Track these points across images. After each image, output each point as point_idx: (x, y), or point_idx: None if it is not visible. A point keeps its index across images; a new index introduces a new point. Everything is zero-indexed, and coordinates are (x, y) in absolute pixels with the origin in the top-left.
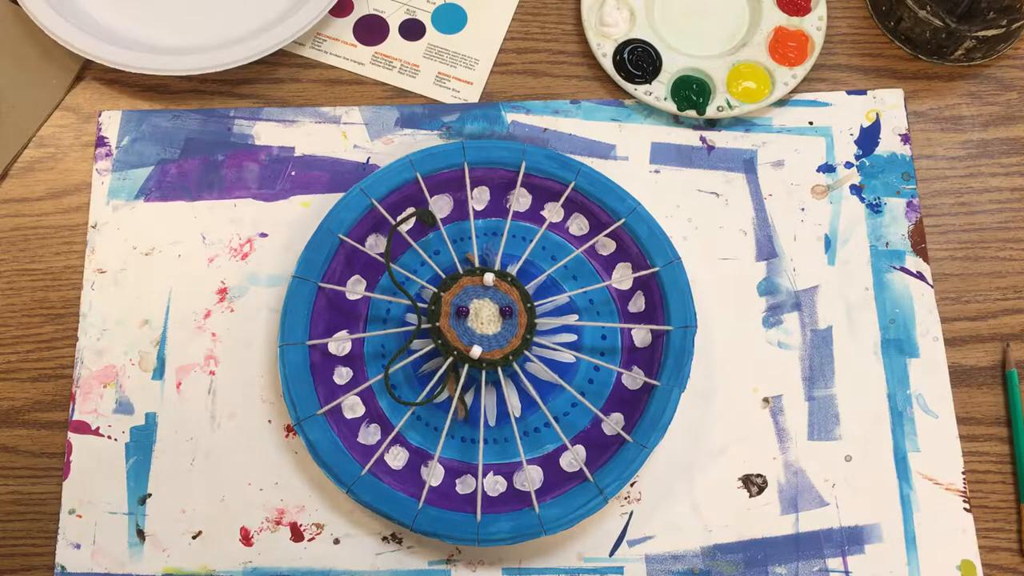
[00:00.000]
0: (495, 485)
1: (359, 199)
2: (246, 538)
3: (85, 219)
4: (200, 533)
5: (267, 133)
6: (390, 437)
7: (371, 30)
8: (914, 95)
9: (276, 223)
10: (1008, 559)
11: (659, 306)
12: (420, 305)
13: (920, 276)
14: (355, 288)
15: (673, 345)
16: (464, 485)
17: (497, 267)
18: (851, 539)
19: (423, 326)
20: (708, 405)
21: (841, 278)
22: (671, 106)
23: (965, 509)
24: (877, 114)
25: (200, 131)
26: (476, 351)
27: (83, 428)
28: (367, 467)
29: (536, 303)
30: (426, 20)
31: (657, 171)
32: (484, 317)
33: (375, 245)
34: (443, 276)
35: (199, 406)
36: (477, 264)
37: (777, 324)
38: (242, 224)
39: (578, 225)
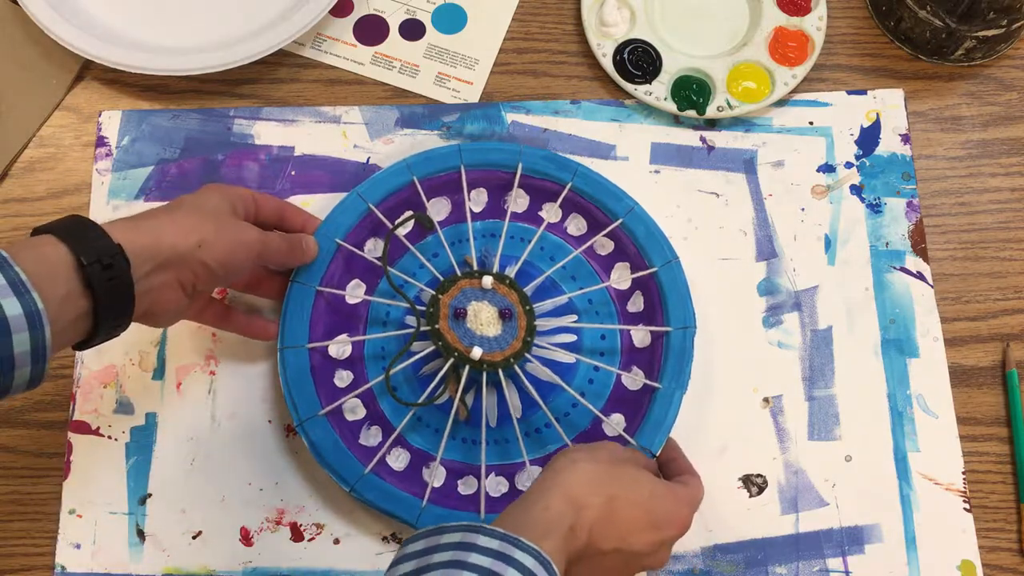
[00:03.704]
0: (497, 486)
1: (356, 203)
2: (246, 538)
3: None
4: (200, 533)
5: (267, 133)
6: (391, 439)
7: (371, 30)
8: (914, 95)
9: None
10: (1008, 559)
11: (658, 306)
12: (419, 308)
13: (920, 276)
14: (354, 292)
15: (673, 346)
16: (466, 486)
17: (496, 268)
18: (851, 539)
19: (423, 328)
20: (708, 405)
21: (841, 278)
22: (671, 106)
23: (965, 509)
24: (877, 114)
25: (200, 131)
26: (477, 352)
27: (83, 428)
28: (370, 467)
29: (535, 304)
30: (426, 20)
31: (657, 171)
32: (483, 318)
33: (374, 249)
34: (441, 279)
35: (199, 406)
36: (475, 267)
37: (777, 324)
38: None
39: (576, 225)
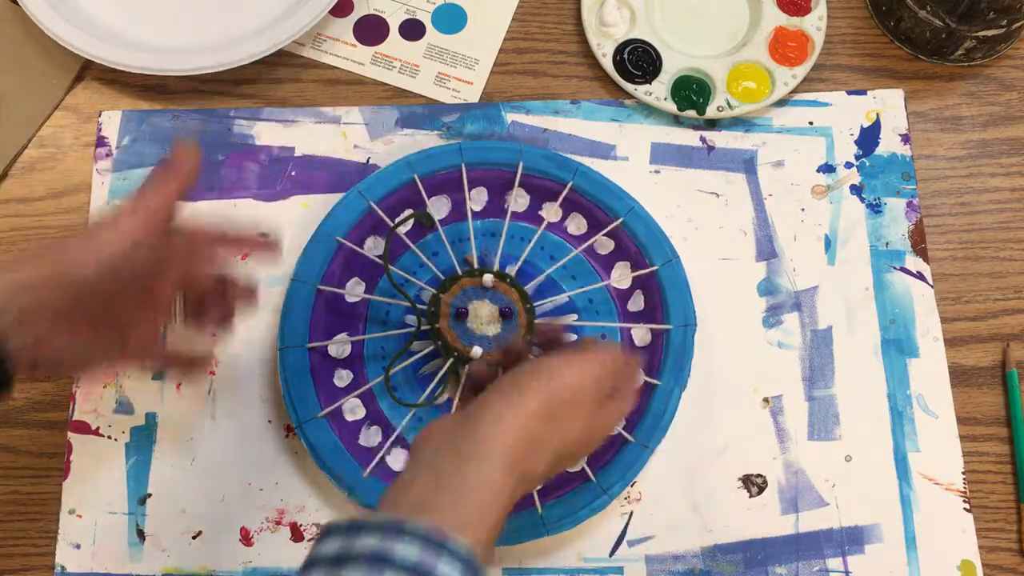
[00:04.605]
0: None
1: (357, 201)
2: (246, 538)
3: (85, 219)
4: (200, 533)
5: (267, 133)
6: (391, 439)
7: (371, 30)
8: (914, 95)
9: (276, 223)
10: (1008, 559)
11: (658, 305)
12: (419, 307)
13: (920, 276)
14: (354, 290)
15: (673, 344)
16: None
17: (496, 267)
18: (851, 539)
19: (423, 327)
20: (708, 405)
21: (841, 278)
22: (671, 106)
23: (965, 509)
24: (877, 114)
25: (200, 131)
26: (477, 351)
27: (83, 428)
28: (368, 469)
29: (535, 303)
30: (426, 20)
31: (657, 171)
32: (483, 317)
33: (374, 247)
34: (442, 278)
35: (199, 406)
36: (476, 265)
37: (777, 324)
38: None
39: (576, 225)
